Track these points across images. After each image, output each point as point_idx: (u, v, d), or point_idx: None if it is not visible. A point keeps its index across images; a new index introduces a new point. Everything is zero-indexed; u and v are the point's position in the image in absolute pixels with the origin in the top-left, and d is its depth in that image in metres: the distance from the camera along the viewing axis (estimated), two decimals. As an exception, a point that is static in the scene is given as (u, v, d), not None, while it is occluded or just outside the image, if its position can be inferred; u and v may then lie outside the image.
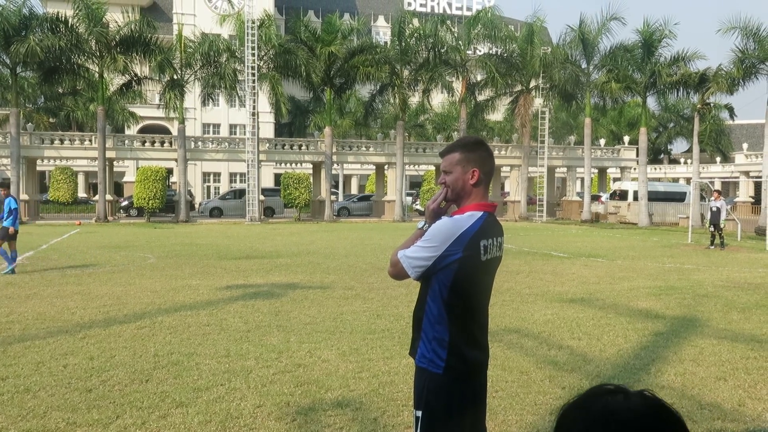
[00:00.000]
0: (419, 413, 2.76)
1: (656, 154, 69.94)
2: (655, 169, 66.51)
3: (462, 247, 2.65)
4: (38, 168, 45.63)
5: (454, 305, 2.71)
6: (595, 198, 43.22)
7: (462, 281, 2.69)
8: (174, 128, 46.42)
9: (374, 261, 16.10)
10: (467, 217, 2.73)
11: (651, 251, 19.87)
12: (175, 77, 36.15)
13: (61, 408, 5.12)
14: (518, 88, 41.54)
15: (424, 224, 2.85)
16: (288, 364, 6.41)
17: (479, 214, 2.75)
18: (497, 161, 45.04)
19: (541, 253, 18.46)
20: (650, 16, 60.01)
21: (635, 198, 37.83)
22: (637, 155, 41.85)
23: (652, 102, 40.64)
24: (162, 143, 39.20)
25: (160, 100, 37.84)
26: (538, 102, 41.80)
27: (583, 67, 39.35)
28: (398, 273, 2.76)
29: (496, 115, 51.97)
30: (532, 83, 40.96)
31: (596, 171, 49.36)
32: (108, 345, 7.19)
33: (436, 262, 2.67)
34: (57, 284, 11.88)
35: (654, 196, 37.75)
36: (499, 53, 40.59)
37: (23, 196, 35.77)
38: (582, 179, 50.47)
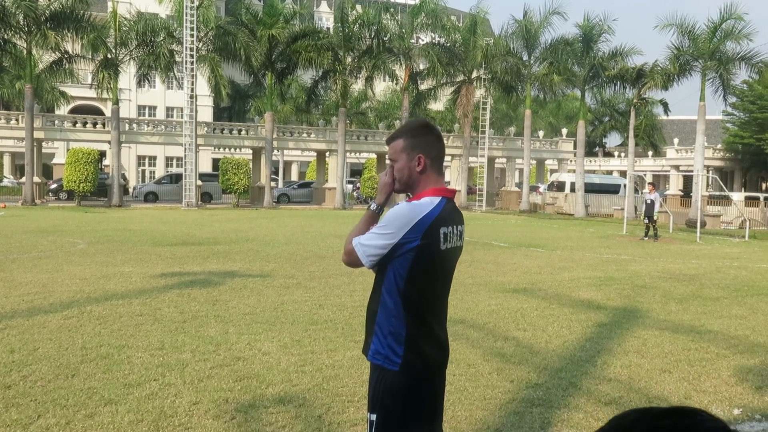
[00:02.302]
0: (373, 417, 2.54)
1: (591, 147, 71.60)
2: (591, 161, 68.11)
3: (420, 235, 2.46)
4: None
5: (411, 297, 2.52)
6: (533, 189, 43.90)
7: (419, 271, 2.50)
8: (108, 109, 44.70)
9: (315, 249, 15.82)
10: (426, 203, 2.54)
11: (588, 242, 20.22)
12: (109, 56, 34.76)
13: (-24, 407, 4.70)
14: (460, 78, 41.71)
15: (375, 206, 2.67)
16: (226, 357, 6.10)
17: (438, 199, 2.56)
18: (438, 151, 45.12)
19: (482, 243, 18.52)
20: (591, 12, 61.11)
21: (572, 189, 38.60)
22: (575, 147, 42.71)
23: (588, 96, 41.45)
24: (94, 124, 37.74)
25: (93, 79, 36.36)
26: (480, 93, 42.09)
27: (524, 59, 39.78)
28: (353, 261, 2.57)
29: (438, 105, 52.18)
30: (474, 74, 41.17)
31: (535, 162, 50.13)
32: (31, 336, 6.72)
33: (392, 250, 2.48)
34: (-23, 271, 11.16)
35: (590, 188, 38.60)
36: (442, 43, 40.68)
37: (-58, 177, 33.88)
38: (521, 170, 51.23)
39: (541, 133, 50.68)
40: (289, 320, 7.76)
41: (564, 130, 51.06)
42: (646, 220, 21.94)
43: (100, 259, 13.00)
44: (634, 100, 37.98)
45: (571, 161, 49.29)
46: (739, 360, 6.46)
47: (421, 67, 41.83)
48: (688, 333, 7.55)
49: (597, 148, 74.43)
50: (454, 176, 44.56)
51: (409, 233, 2.45)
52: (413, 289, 2.51)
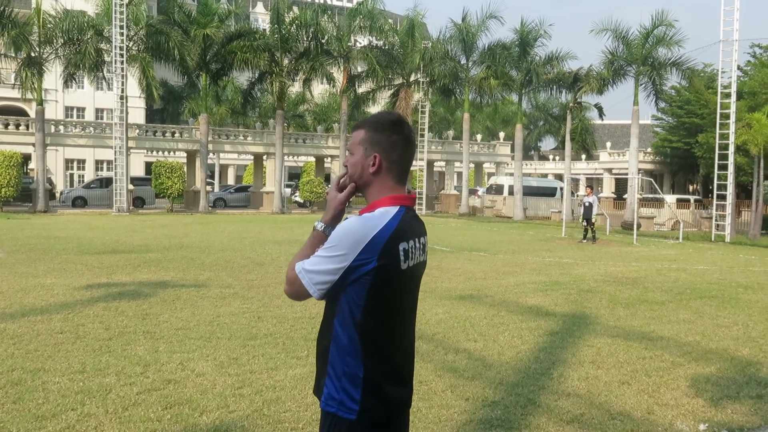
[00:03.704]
0: None
1: (527, 151, 72.81)
2: (527, 164, 69.16)
3: (376, 255, 2.04)
4: None
5: (369, 330, 2.09)
6: (472, 192, 44.13)
7: (379, 298, 2.08)
8: (32, 110, 42.65)
9: (253, 256, 15.21)
10: (379, 216, 2.11)
11: (529, 245, 20.24)
12: (32, 55, 33.07)
13: None
14: (399, 81, 41.59)
15: (321, 225, 2.21)
16: (155, 380, 5.54)
17: (394, 210, 2.14)
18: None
19: (424, 247, 18.25)
20: (527, 17, 62.07)
21: (510, 192, 38.92)
22: (512, 151, 43.15)
23: (524, 100, 42.02)
24: (17, 126, 35.85)
25: (16, 79, 34.55)
26: (418, 96, 42.05)
27: (462, 63, 39.93)
28: (297, 292, 2.12)
29: (377, 108, 51.86)
30: (413, 77, 41.12)
31: (473, 165, 50.50)
32: (-68, 361, 6.00)
33: (343, 275, 2.05)
34: None
35: (528, 191, 38.99)
36: (380, 46, 40.45)
37: None
38: (460, 173, 51.55)
39: (479, 137, 51.13)
40: (226, 335, 7.22)
41: (501, 134, 51.63)
42: (585, 223, 22.15)
43: (19, 270, 12.09)
44: (570, 104, 38.61)
45: (508, 164, 49.84)
46: (695, 369, 6.29)
47: (360, 69, 41.52)
48: (641, 340, 7.39)
49: (532, 152, 75.77)
50: (393, 180, 44.25)
51: (363, 253, 2.04)
52: (372, 319, 2.10)
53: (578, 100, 38.12)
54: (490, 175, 57.03)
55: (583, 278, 12.58)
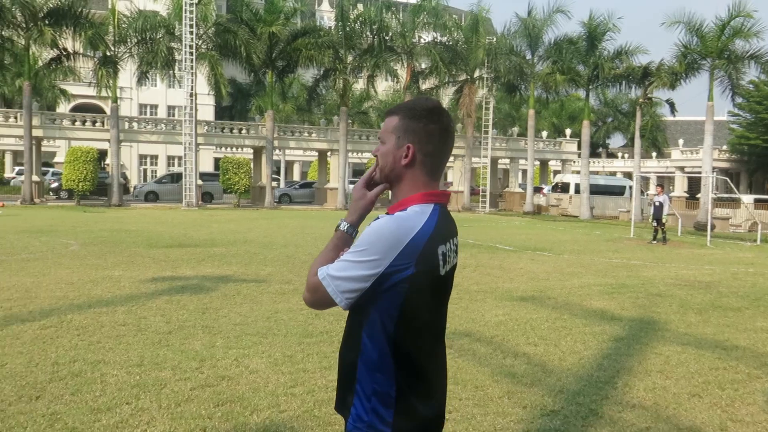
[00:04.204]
0: None
1: (594, 148, 71.09)
2: (594, 162, 67.54)
3: (414, 260, 1.84)
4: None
5: (402, 343, 1.89)
6: (537, 190, 43.37)
7: (414, 308, 1.88)
8: (108, 108, 44.27)
9: (315, 252, 15.27)
10: (415, 215, 1.89)
11: (595, 245, 19.65)
12: (107, 54, 34.26)
13: None
14: (463, 77, 41.20)
15: (346, 225, 2.02)
16: (210, 375, 5.56)
17: (429, 208, 1.93)
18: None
19: (486, 246, 17.97)
20: (596, 10, 60.57)
21: (577, 191, 38.02)
22: (579, 148, 42.14)
23: (592, 96, 40.98)
24: (94, 123, 37.23)
25: (92, 77, 35.90)
26: (482, 92, 41.56)
27: (527, 58, 39.22)
28: (319, 301, 1.91)
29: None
30: (477, 73, 40.67)
31: (538, 163, 49.59)
32: (1, 350, 6.18)
33: (376, 283, 1.84)
34: (-42, 274, 10.63)
35: (594, 189, 38.00)
36: (444, 42, 40.16)
37: (-61, 175, 33.41)
38: (524, 171, 50.71)
39: (544, 134, 50.17)
40: (282, 332, 7.21)
41: (568, 131, 50.49)
42: (655, 223, 21.37)
43: (90, 262, 12.47)
44: (640, 100, 37.39)
45: (574, 162, 48.72)
46: (772, 381, 5.90)
47: (423, 66, 41.33)
48: (713, 349, 6.98)
49: (600, 149, 73.87)
50: (456, 177, 44.07)
51: (399, 259, 1.83)
52: (406, 331, 1.88)
53: (648, 95, 36.86)
54: (555, 172, 55.91)
55: (652, 281, 12.08)
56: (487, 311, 8.65)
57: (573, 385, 5.57)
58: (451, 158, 45.51)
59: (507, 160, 48.93)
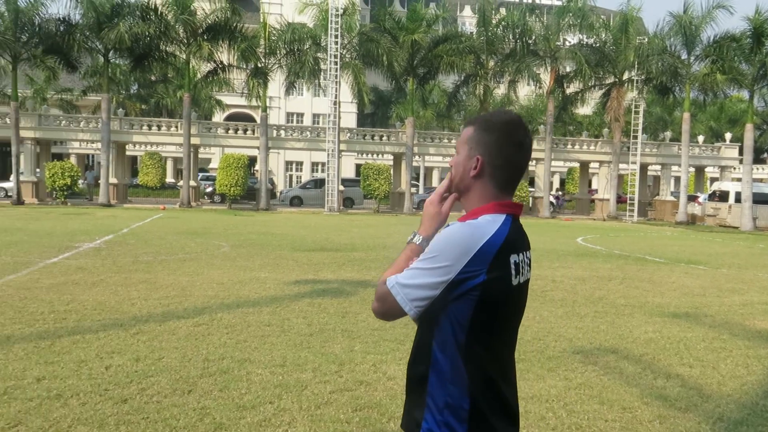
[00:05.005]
0: None
1: (758, 154, 65.65)
2: (757, 169, 62.36)
3: (486, 267, 1.80)
4: (129, 153, 47.05)
5: (474, 355, 1.83)
6: (691, 198, 40.68)
7: (485, 317, 1.83)
8: (258, 116, 46.80)
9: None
10: (486, 223, 1.86)
11: (759, 259, 18.06)
12: (258, 65, 36.19)
13: (88, 422, 4.50)
14: (610, 80, 39.53)
15: (419, 237, 1.98)
16: (348, 379, 5.62)
17: (501, 218, 1.89)
18: (585, 156, 43.38)
19: (634, 257, 17.04)
20: (763, 3, 55.99)
21: (737, 200, 35.19)
22: (740, 154, 39.07)
23: (756, 98, 37.77)
24: (245, 131, 39.44)
25: (244, 88, 38.08)
26: (632, 95, 39.61)
27: (682, 58, 36.92)
28: (388, 310, 1.88)
29: (586, 109, 49.82)
30: (626, 75, 38.86)
31: (693, 170, 46.51)
32: (159, 344, 6.61)
33: (446, 290, 1.80)
34: (126, 271, 11.57)
35: (758, 198, 34.98)
36: (590, 44, 38.72)
37: (112, 180, 36.80)
38: (677, 178, 47.70)
39: (700, 138, 46.93)
40: (420, 339, 7.17)
41: (728, 135, 46.91)
42: (830, 236, 19.31)
43: (239, 263, 13.14)
44: (813, 101, 34.05)
45: (735, 169, 45.23)
46: None
47: (568, 69, 40.08)
48: None
49: (765, 155, 68.09)
50: (602, 184, 42.32)
51: (471, 265, 1.79)
52: (477, 342, 1.84)
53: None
54: (713, 180, 52.19)
55: (827, 301, 10.88)
56: (635, 327, 8.15)
57: (734, 413, 5.09)
58: (597, 164, 43.76)
59: (658, 167, 46.30)
